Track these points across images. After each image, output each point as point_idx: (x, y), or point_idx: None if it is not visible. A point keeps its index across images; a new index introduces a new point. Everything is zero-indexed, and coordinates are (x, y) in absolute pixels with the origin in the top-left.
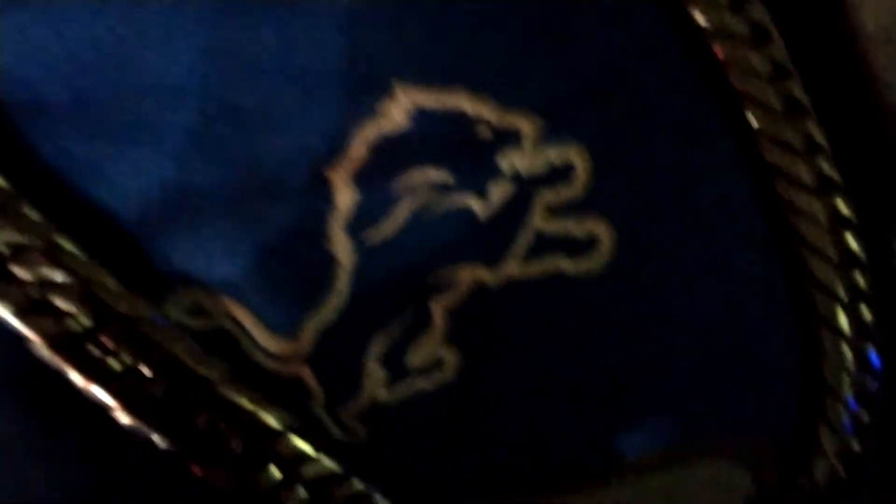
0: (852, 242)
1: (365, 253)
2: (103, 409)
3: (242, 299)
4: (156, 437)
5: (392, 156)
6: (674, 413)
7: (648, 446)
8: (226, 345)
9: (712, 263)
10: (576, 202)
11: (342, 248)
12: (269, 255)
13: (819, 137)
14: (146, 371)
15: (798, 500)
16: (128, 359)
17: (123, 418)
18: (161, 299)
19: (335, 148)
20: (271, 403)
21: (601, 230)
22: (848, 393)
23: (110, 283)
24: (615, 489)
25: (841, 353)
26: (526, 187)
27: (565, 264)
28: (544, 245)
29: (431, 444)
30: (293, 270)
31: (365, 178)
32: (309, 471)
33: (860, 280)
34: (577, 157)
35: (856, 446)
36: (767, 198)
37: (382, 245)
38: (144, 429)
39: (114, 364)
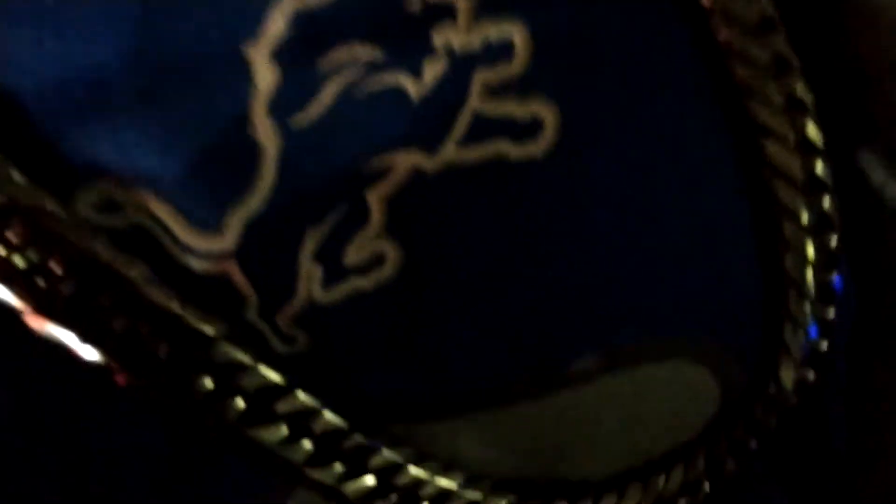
0: (819, 167)
1: (291, 138)
2: (13, 315)
3: (159, 191)
4: (70, 342)
5: (314, 32)
6: (629, 315)
7: (605, 349)
8: (143, 243)
9: (666, 154)
10: (517, 81)
11: (265, 132)
12: (187, 142)
13: (790, 55)
14: (56, 269)
15: (766, 406)
16: (34, 255)
17: (33, 322)
18: (69, 195)
19: (252, 24)
20: (200, 308)
21: (545, 112)
22: (812, 293)
23: (13, 174)
24: (574, 392)
25: (803, 246)
26: (462, 66)
27: (507, 148)
28: (484, 128)
29: (376, 350)
30: (214, 158)
31: (286, 56)
32: (247, 382)
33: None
34: (516, 33)
35: (823, 347)
36: (732, 114)
37: (309, 129)
38: (56, 332)
39: (18, 261)
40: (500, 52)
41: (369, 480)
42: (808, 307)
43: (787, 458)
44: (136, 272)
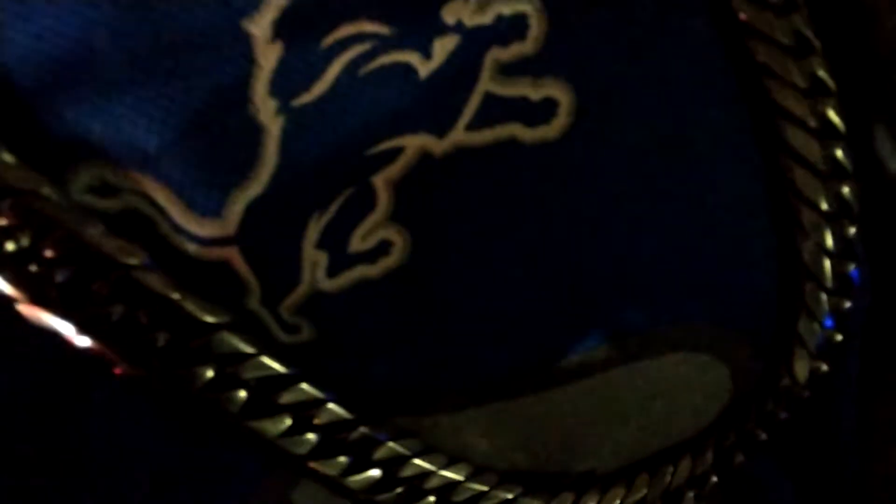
0: (840, 153)
1: (294, 118)
2: (5, 304)
3: (157, 173)
4: (64, 331)
5: (319, 6)
6: (641, 303)
7: (617, 338)
8: (140, 228)
9: (684, 139)
10: (530, 61)
11: (267, 111)
12: (186, 121)
13: (812, 36)
14: (48, 253)
15: (778, 398)
16: (26, 240)
17: (26, 310)
18: (62, 176)
19: None
20: (200, 296)
21: (559, 93)
22: (829, 284)
23: (3, 154)
24: (582, 383)
25: (821, 235)
26: (474, 44)
27: (520, 131)
28: (496, 109)
29: (381, 340)
30: (214, 138)
31: (289, 31)
32: (249, 372)
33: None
34: (529, 9)
35: (837, 339)
36: (751, 96)
37: (314, 109)
38: (50, 320)
39: (10, 246)
40: (513, 29)
41: (374, 473)
42: (824, 298)
43: (796, 449)
44: (132, 258)
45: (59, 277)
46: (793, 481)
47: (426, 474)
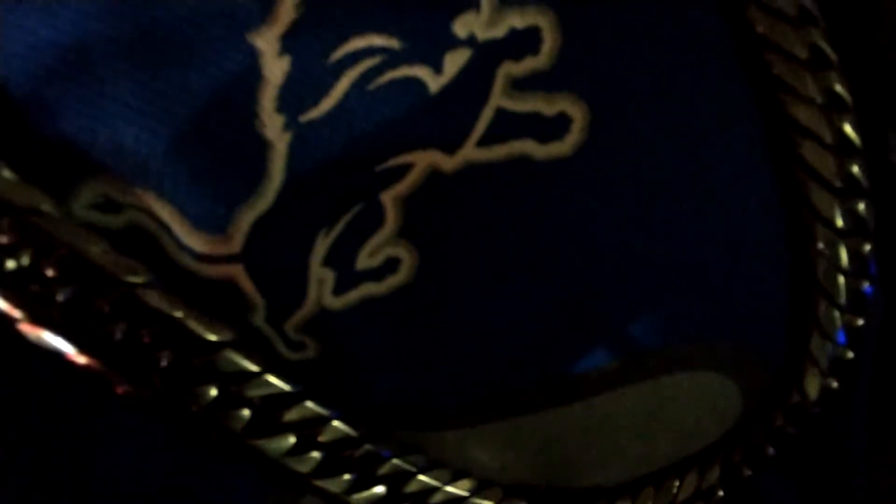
0: (856, 169)
1: (301, 133)
2: (5, 323)
3: (160, 189)
4: (66, 350)
5: (328, 20)
6: (653, 320)
7: (625, 356)
8: (143, 245)
9: (698, 155)
10: (544, 75)
11: (274, 127)
12: (190, 136)
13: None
14: (49, 272)
15: (787, 414)
16: (27, 258)
17: (27, 329)
18: (64, 193)
19: (261, 10)
20: (204, 314)
21: (572, 108)
22: (843, 302)
23: (3, 171)
24: (589, 401)
25: (836, 252)
26: (486, 58)
27: (532, 147)
28: (508, 125)
29: (387, 358)
30: (219, 154)
31: (297, 44)
32: (253, 390)
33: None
34: (543, 23)
35: (849, 356)
36: (767, 111)
37: (321, 124)
38: (51, 340)
39: (10, 264)
40: (526, 43)
41: (379, 490)
42: (837, 316)
43: (803, 463)
44: (135, 276)
45: (61, 296)
46: (800, 495)
47: (431, 490)
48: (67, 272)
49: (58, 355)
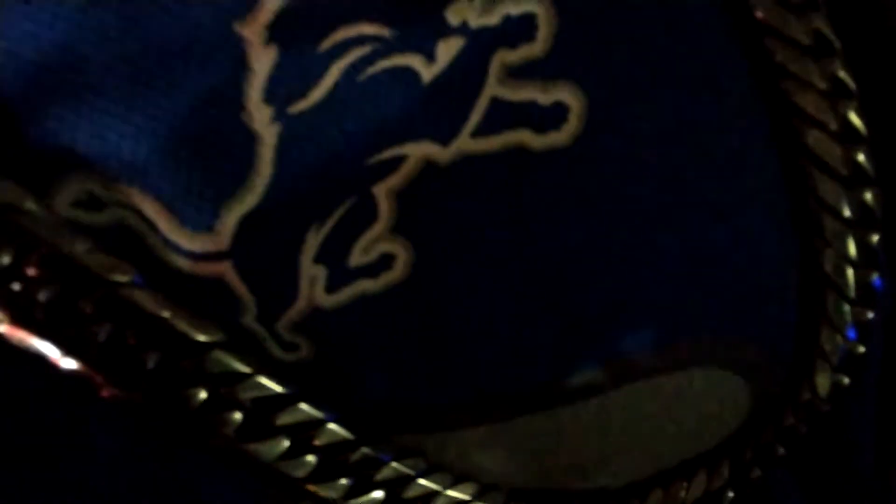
0: (862, 157)
1: (290, 126)
2: None
3: (145, 185)
4: (49, 353)
5: (316, 8)
6: (655, 316)
7: (629, 354)
8: (128, 243)
9: (700, 145)
10: (539, 63)
11: (262, 119)
12: (175, 130)
13: (831, 37)
14: (32, 271)
15: (798, 412)
16: (7, 257)
17: (8, 331)
18: (46, 190)
19: None
20: (192, 313)
21: (570, 97)
22: (852, 294)
23: None
24: (594, 399)
25: (843, 244)
26: (480, 46)
27: (528, 138)
28: (504, 115)
29: (383, 357)
30: (205, 148)
31: (284, 34)
32: (245, 393)
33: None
34: (538, 8)
35: (859, 351)
36: (770, 99)
37: (311, 116)
38: (33, 342)
39: None
40: (521, 30)
41: (377, 494)
42: (847, 309)
43: (810, 460)
44: (121, 275)
45: (43, 296)
46: (805, 492)
47: (432, 494)
48: (50, 271)
49: (39, 358)
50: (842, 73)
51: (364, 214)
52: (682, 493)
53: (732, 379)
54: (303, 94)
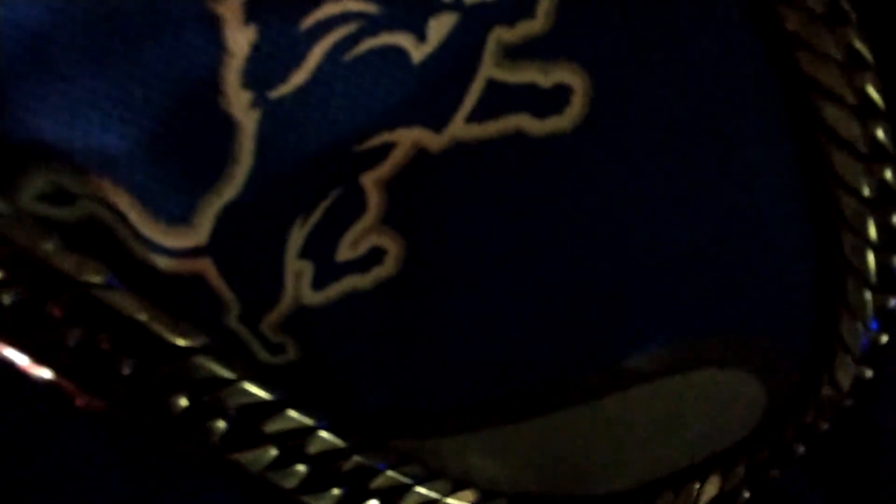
0: (880, 132)
1: (271, 112)
2: None
3: (117, 177)
4: (17, 360)
5: None
6: (661, 312)
7: (633, 354)
8: (101, 240)
9: (709, 126)
10: (539, 42)
11: (241, 105)
12: (148, 117)
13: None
14: None
15: (818, 409)
16: None
17: None
18: (9, 183)
19: None
20: (170, 315)
21: (572, 79)
22: (873, 279)
23: None
24: (597, 402)
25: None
26: (474, 23)
27: (527, 123)
28: (501, 98)
29: (374, 358)
30: (181, 136)
31: (262, 12)
32: (229, 399)
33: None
34: None
35: (882, 341)
36: (783, 71)
37: (293, 101)
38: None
39: None
40: (519, 6)
41: None
42: (868, 296)
43: (828, 457)
44: (92, 275)
45: (8, 299)
46: (823, 490)
47: (430, 503)
48: (15, 272)
49: (10, 365)
50: (857, 43)
51: (351, 206)
52: (694, 496)
53: (745, 378)
54: (284, 77)
